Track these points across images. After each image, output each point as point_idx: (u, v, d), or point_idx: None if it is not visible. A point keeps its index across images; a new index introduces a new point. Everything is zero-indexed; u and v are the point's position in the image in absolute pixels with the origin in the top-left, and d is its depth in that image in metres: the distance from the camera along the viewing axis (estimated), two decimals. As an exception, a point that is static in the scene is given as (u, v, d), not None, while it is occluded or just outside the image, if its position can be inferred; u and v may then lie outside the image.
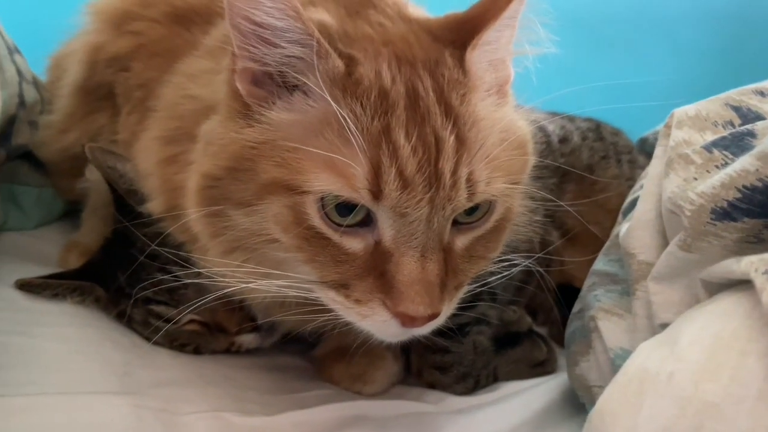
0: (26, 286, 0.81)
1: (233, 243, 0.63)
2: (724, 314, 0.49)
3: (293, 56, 0.57)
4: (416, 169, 0.56)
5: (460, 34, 0.62)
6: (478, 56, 0.62)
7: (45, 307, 0.80)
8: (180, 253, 0.75)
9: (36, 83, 1.02)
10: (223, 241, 0.63)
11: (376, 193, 0.55)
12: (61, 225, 1.08)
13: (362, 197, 0.56)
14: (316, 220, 0.57)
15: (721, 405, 0.44)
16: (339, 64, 0.57)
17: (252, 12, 0.55)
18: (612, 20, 1.79)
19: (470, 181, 0.58)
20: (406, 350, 0.87)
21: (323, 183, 0.56)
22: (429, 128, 0.57)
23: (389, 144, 0.55)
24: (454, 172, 0.57)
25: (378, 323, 0.59)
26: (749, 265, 0.48)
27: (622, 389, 0.51)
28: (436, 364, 0.84)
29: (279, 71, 0.58)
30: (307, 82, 0.57)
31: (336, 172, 0.55)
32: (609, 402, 0.51)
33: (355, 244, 0.58)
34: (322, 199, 0.57)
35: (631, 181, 1.07)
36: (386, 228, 0.57)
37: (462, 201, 0.58)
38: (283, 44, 0.57)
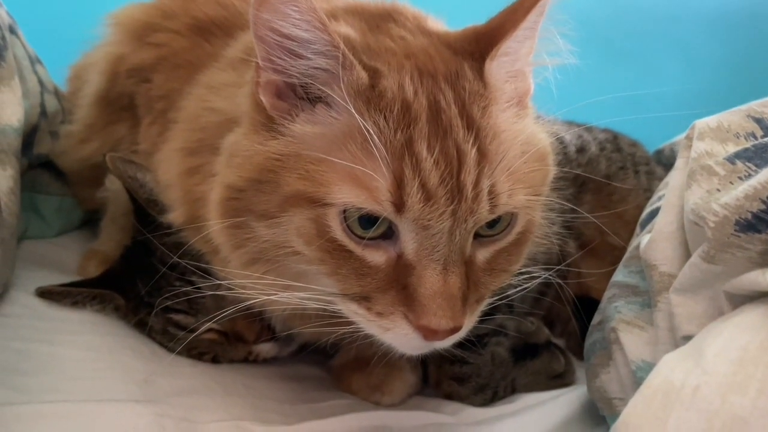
0: (47, 294, 0.82)
1: (255, 254, 0.63)
2: (750, 327, 0.49)
3: (318, 68, 0.58)
4: (439, 182, 0.56)
5: (480, 45, 0.62)
6: (497, 67, 0.62)
7: (66, 314, 0.81)
8: (200, 264, 0.76)
9: (57, 93, 1.04)
10: (245, 252, 0.63)
11: (399, 206, 0.55)
12: (81, 233, 1.09)
13: (385, 209, 0.56)
14: (339, 232, 0.57)
15: (749, 419, 0.44)
16: (363, 76, 0.57)
17: (279, 23, 0.56)
18: (627, 32, 1.79)
19: (492, 193, 0.58)
20: (424, 361, 0.86)
21: (346, 195, 0.56)
22: (451, 141, 0.57)
23: (412, 156, 0.55)
24: (476, 184, 0.57)
25: (400, 336, 0.59)
26: (776, 277, 0.48)
27: (646, 402, 0.50)
28: (454, 375, 0.84)
29: (303, 83, 0.59)
30: (331, 93, 0.57)
31: (359, 185, 0.55)
32: (633, 415, 0.51)
33: (377, 257, 0.58)
34: (344, 211, 0.57)
35: (648, 192, 1.07)
36: (408, 241, 0.57)
37: (484, 213, 0.58)
38: (308, 55, 0.57)
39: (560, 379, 0.89)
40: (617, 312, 0.72)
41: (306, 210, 0.58)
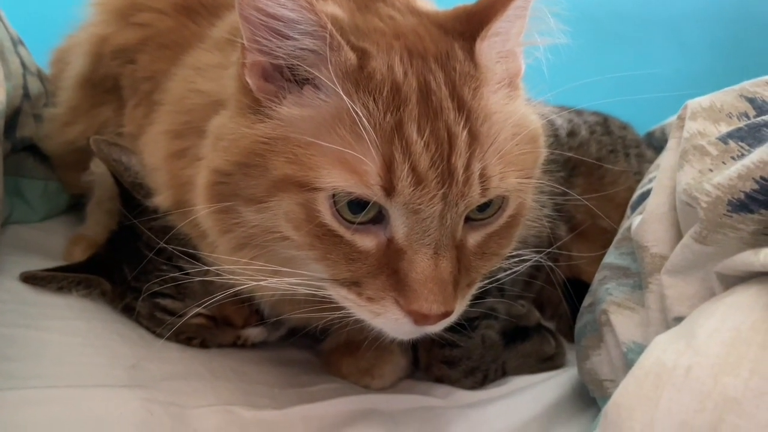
0: (31, 279, 0.80)
1: (243, 239, 0.62)
2: (743, 307, 0.49)
3: (305, 49, 0.56)
4: (429, 165, 0.55)
5: (470, 25, 0.61)
6: (488, 48, 0.61)
7: (51, 300, 0.79)
8: (188, 250, 0.75)
9: (40, 76, 1.02)
10: (233, 237, 0.63)
11: (389, 190, 0.54)
12: (67, 218, 1.08)
13: (374, 193, 0.55)
14: (328, 217, 0.57)
15: (741, 399, 0.44)
16: (351, 57, 0.56)
17: (264, 3, 0.54)
18: (617, 14, 1.78)
19: (483, 176, 0.57)
20: (414, 345, 0.86)
21: (335, 179, 0.55)
22: (442, 123, 0.56)
23: (402, 140, 0.54)
24: (467, 167, 0.56)
25: (390, 321, 0.58)
26: (769, 257, 0.47)
27: (638, 383, 0.50)
28: (444, 358, 0.84)
29: (290, 65, 0.58)
30: (318, 75, 0.56)
31: (348, 169, 0.54)
32: (625, 396, 0.50)
33: (367, 241, 0.58)
34: (333, 196, 0.56)
35: (639, 175, 1.07)
36: (399, 225, 0.57)
37: (475, 197, 0.57)
38: (295, 36, 0.56)
39: (551, 362, 0.89)
40: (608, 294, 0.72)
41: (294, 195, 0.57)
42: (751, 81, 0.70)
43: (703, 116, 0.66)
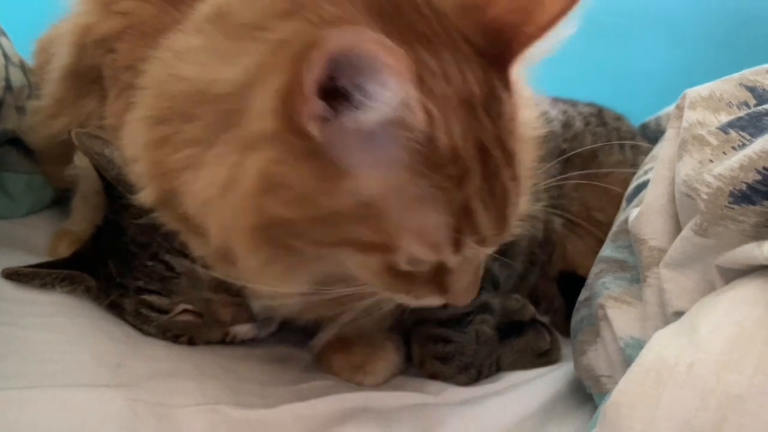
0: (14, 275, 0.78)
1: (292, 265, 0.61)
2: (745, 301, 0.47)
3: (381, 120, 0.51)
4: (492, 230, 0.58)
5: (499, 44, 0.57)
6: (518, 69, 0.59)
7: (34, 296, 0.77)
8: (173, 244, 0.74)
9: (23, 67, 0.99)
10: (279, 265, 0.60)
11: (457, 251, 0.58)
12: (52, 212, 1.05)
13: (445, 257, 0.59)
14: (400, 266, 0.59)
15: (745, 397, 0.42)
16: (423, 131, 0.52)
17: (356, 78, 0.49)
18: (611, 6, 1.77)
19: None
20: (407, 340, 0.85)
21: (413, 249, 0.57)
22: (499, 184, 0.57)
23: (470, 214, 0.56)
24: (515, 213, 0.60)
25: (428, 303, 0.66)
26: (773, 250, 0.46)
27: (638, 380, 0.49)
28: (437, 354, 0.82)
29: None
30: (391, 148, 0.53)
31: (425, 242, 0.57)
32: (625, 394, 0.49)
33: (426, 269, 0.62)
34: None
35: (634, 167, 1.05)
36: (454, 261, 0.60)
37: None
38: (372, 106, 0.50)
39: (546, 357, 0.88)
40: (605, 288, 0.71)
41: (370, 253, 0.58)
42: (751, 69, 0.69)
43: (703, 105, 0.64)
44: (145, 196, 0.67)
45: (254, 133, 0.53)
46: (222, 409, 0.68)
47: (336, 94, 0.49)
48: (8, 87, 0.92)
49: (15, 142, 1.00)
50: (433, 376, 0.82)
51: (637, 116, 1.27)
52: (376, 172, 0.53)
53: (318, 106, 0.49)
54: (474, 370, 0.82)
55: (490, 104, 0.56)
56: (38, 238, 0.94)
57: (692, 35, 1.79)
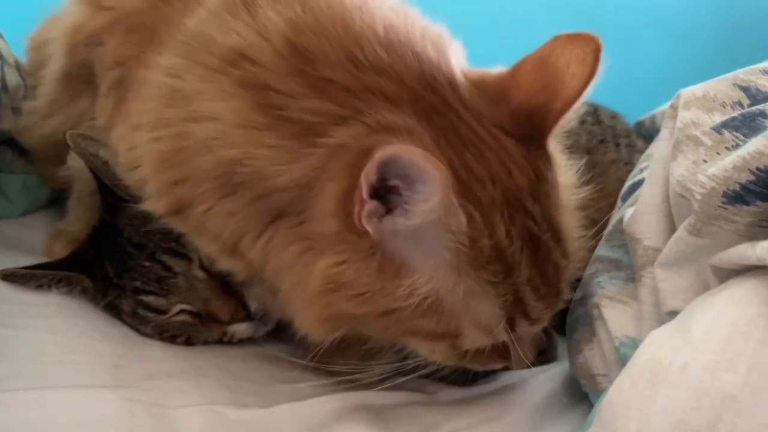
0: (10, 277, 0.78)
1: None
2: (739, 301, 0.48)
3: (425, 222, 0.55)
4: (543, 310, 0.62)
5: (533, 126, 0.61)
6: (553, 142, 0.62)
7: (30, 297, 0.77)
8: (170, 245, 0.75)
9: (19, 68, 0.99)
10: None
11: (511, 332, 0.62)
12: (48, 213, 1.05)
13: (501, 339, 0.62)
14: (465, 347, 0.63)
15: (739, 396, 0.43)
16: (465, 237, 0.56)
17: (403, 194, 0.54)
18: (605, 3, 1.78)
19: None
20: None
21: (473, 337, 0.61)
22: (550, 264, 0.60)
23: (520, 302, 0.59)
24: (565, 288, 0.64)
25: (494, 368, 0.72)
26: (766, 250, 0.46)
27: (633, 380, 0.49)
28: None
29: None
30: (438, 248, 0.57)
31: (482, 330, 0.61)
32: (620, 394, 0.49)
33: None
34: None
35: (629, 165, 1.06)
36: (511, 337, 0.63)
37: None
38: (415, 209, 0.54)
39: (542, 356, 0.88)
40: (600, 287, 0.71)
41: (436, 341, 0.63)
42: (745, 69, 0.69)
43: (697, 105, 0.65)
44: (152, 206, 0.69)
45: (319, 235, 0.58)
46: (219, 410, 0.68)
47: (387, 195, 0.53)
48: (4, 87, 0.92)
49: (10, 142, 1.00)
50: (430, 377, 0.82)
51: (632, 114, 1.27)
52: (427, 270, 0.57)
53: (372, 204, 0.53)
54: (470, 372, 0.82)
55: (536, 190, 0.60)
56: (35, 238, 0.94)
57: (687, 34, 1.80)
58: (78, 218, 0.91)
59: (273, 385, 0.76)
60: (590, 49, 0.59)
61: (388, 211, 0.54)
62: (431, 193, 0.52)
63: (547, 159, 0.62)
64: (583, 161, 0.73)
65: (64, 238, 0.90)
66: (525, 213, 0.59)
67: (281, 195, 0.60)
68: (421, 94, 0.59)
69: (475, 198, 0.57)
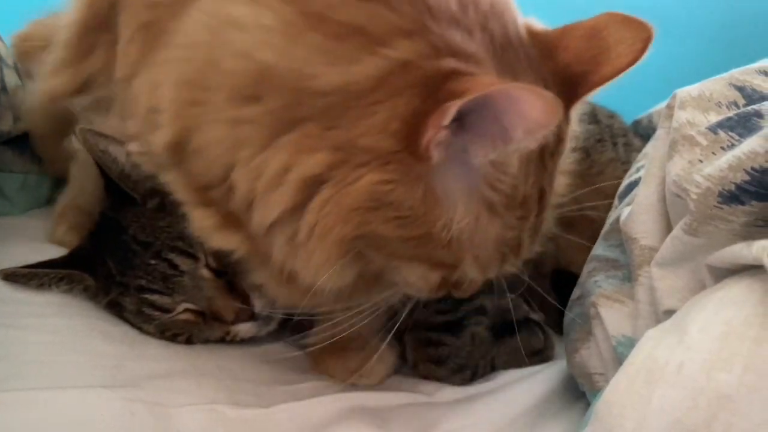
0: (11, 277, 0.78)
1: (349, 267, 0.62)
2: (735, 301, 0.48)
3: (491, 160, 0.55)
4: (528, 254, 0.65)
5: (568, 87, 0.61)
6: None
7: (29, 296, 0.77)
8: (177, 244, 0.74)
9: (17, 69, 0.99)
10: (340, 266, 0.60)
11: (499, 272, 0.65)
12: (48, 211, 1.04)
13: (489, 276, 0.65)
14: (451, 279, 0.64)
15: (735, 396, 0.43)
16: (512, 179, 0.58)
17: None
18: (603, 3, 1.77)
19: None
20: (401, 340, 0.85)
21: (469, 270, 0.62)
22: (542, 217, 0.63)
23: (518, 245, 0.62)
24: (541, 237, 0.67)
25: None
26: (761, 250, 0.47)
27: (629, 380, 0.49)
28: (431, 357, 0.83)
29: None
30: (485, 188, 0.57)
31: (480, 265, 0.62)
32: (616, 393, 0.49)
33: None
34: None
35: (626, 164, 1.06)
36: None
37: None
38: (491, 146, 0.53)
39: (539, 355, 0.89)
40: (597, 286, 0.71)
41: (436, 269, 0.62)
42: (740, 69, 0.70)
43: (693, 105, 0.65)
44: (158, 137, 0.63)
45: (362, 148, 0.54)
46: (219, 409, 0.68)
47: (459, 123, 0.51)
48: (3, 88, 0.92)
49: (10, 142, 1.00)
50: (428, 378, 0.83)
51: (629, 113, 1.27)
52: (466, 205, 0.56)
53: (444, 133, 0.51)
54: (469, 371, 0.83)
55: (555, 149, 0.61)
56: (35, 237, 0.94)
57: (685, 32, 1.79)
58: (80, 188, 0.89)
59: (272, 385, 0.77)
60: (642, 36, 0.61)
61: (456, 139, 0.52)
62: (534, 135, 0.51)
63: (567, 122, 0.63)
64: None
65: (67, 221, 0.90)
66: (544, 167, 0.60)
67: (316, 100, 0.54)
68: (489, 26, 0.57)
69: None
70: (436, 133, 0.50)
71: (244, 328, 0.80)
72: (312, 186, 0.56)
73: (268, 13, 0.56)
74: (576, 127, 0.69)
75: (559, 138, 0.62)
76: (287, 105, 0.55)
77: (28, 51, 1.01)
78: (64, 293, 0.80)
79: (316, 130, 0.55)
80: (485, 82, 0.50)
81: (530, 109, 0.48)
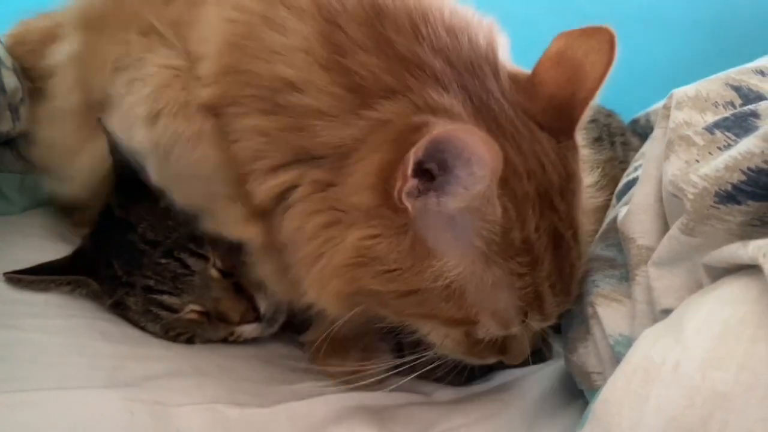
0: (15, 281, 0.78)
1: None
2: (731, 300, 0.48)
3: (461, 207, 0.56)
4: (556, 307, 0.64)
5: (562, 118, 0.63)
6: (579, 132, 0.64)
7: (29, 297, 0.77)
8: (188, 246, 0.75)
9: (16, 71, 0.99)
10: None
11: (523, 325, 0.64)
12: (47, 211, 1.04)
13: (513, 332, 0.65)
14: (477, 336, 0.65)
15: (731, 394, 0.43)
16: (498, 228, 0.57)
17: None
18: (601, 2, 1.78)
19: None
20: (399, 343, 0.86)
21: (489, 326, 0.62)
22: (567, 264, 0.63)
23: (538, 297, 0.61)
24: (577, 287, 0.66)
25: (488, 362, 0.72)
26: (757, 250, 0.47)
27: (626, 379, 0.49)
28: (429, 359, 0.82)
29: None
30: (469, 235, 0.58)
31: (498, 320, 0.62)
32: (613, 392, 0.50)
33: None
34: None
35: (624, 163, 1.06)
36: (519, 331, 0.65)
37: None
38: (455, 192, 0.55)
39: (537, 355, 0.88)
40: (595, 286, 0.71)
41: (453, 326, 0.64)
42: (737, 69, 0.70)
43: (689, 105, 0.65)
44: (202, 92, 0.65)
45: (351, 206, 0.57)
46: (219, 408, 0.69)
47: (423, 174, 0.54)
48: (2, 90, 0.92)
49: (9, 143, 1.00)
50: (425, 378, 0.83)
51: (627, 112, 1.27)
52: (456, 256, 0.57)
53: (414, 182, 0.53)
54: (466, 372, 0.83)
55: (565, 187, 0.62)
56: (34, 237, 0.94)
57: (683, 30, 1.80)
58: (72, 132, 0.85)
59: (272, 385, 0.77)
60: (605, 39, 0.63)
61: (427, 190, 0.55)
62: (481, 177, 0.53)
63: (574, 151, 0.64)
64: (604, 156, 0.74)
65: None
66: (553, 209, 0.60)
67: (318, 146, 0.59)
68: (468, 80, 0.60)
69: (511, 190, 0.57)
70: (404, 183, 0.53)
71: (249, 329, 0.81)
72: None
73: (301, 24, 0.61)
74: (585, 151, 0.69)
75: (567, 173, 0.62)
76: (298, 130, 0.59)
77: (21, 55, 1.01)
78: (66, 294, 0.80)
79: (317, 183, 0.60)
80: (438, 126, 0.52)
81: (473, 147, 0.51)
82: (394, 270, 0.58)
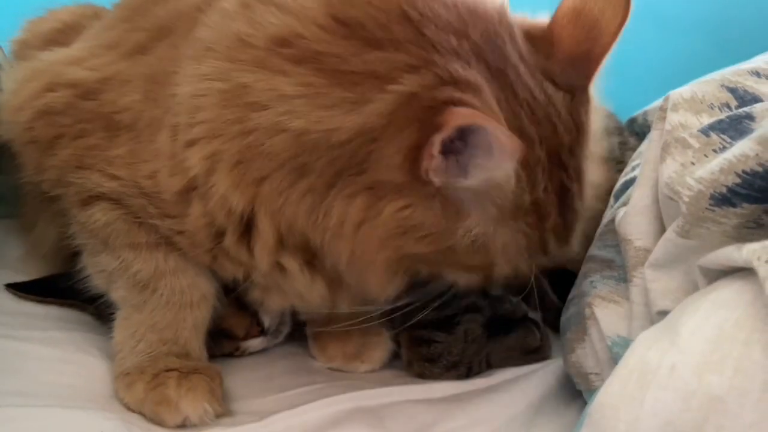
0: (18, 295, 0.78)
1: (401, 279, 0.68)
2: (726, 304, 0.48)
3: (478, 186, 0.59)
4: (559, 248, 0.67)
5: (577, 72, 0.64)
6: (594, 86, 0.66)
7: (30, 308, 0.78)
8: None
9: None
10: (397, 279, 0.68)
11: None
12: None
13: (521, 271, 0.68)
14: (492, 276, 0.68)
15: (726, 398, 0.43)
16: (510, 193, 0.60)
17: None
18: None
19: None
20: (396, 338, 0.86)
21: (501, 269, 0.66)
22: (571, 213, 0.65)
23: (544, 244, 0.65)
24: (579, 231, 0.68)
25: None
26: (752, 253, 0.47)
27: (622, 382, 0.50)
28: (424, 356, 0.83)
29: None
30: (485, 203, 0.61)
31: (510, 265, 0.66)
32: (609, 395, 0.50)
33: None
34: None
35: (621, 164, 1.06)
36: None
37: None
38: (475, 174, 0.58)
39: (536, 354, 0.88)
40: (593, 287, 0.72)
41: (475, 271, 0.68)
42: (732, 70, 0.70)
43: (685, 107, 0.65)
44: (227, 201, 0.65)
45: (384, 183, 0.59)
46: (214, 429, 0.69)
47: (447, 151, 0.56)
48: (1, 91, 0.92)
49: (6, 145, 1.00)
50: (422, 376, 0.83)
51: (624, 111, 1.27)
52: (476, 216, 0.61)
53: (439, 161, 0.56)
54: (463, 368, 0.83)
55: (575, 143, 0.63)
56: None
57: (681, 29, 1.79)
58: None
59: (265, 395, 0.77)
60: None
61: (450, 167, 0.57)
62: (500, 165, 0.57)
63: (588, 104, 0.65)
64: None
65: None
66: (561, 167, 0.63)
67: (344, 150, 0.59)
68: (484, 49, 0.61)
69: (524, 159, 0.59)
70: (431, 161, 0.56)
71: (255, 343, 0.81)
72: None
73: (283, 79, 0.60)
74: (597, 103, 0.70)
75: (577, 129, 0.64)
76: (328, 163, 0.60)
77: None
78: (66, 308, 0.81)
79: (350, 180, 0.60)
80: (464, 114, 0.54)
81: (494, 140, 0.53)
82: (433, 233, 0.61)
